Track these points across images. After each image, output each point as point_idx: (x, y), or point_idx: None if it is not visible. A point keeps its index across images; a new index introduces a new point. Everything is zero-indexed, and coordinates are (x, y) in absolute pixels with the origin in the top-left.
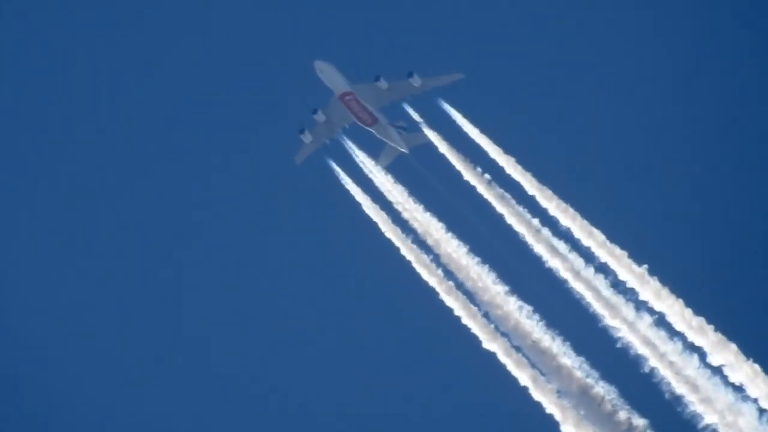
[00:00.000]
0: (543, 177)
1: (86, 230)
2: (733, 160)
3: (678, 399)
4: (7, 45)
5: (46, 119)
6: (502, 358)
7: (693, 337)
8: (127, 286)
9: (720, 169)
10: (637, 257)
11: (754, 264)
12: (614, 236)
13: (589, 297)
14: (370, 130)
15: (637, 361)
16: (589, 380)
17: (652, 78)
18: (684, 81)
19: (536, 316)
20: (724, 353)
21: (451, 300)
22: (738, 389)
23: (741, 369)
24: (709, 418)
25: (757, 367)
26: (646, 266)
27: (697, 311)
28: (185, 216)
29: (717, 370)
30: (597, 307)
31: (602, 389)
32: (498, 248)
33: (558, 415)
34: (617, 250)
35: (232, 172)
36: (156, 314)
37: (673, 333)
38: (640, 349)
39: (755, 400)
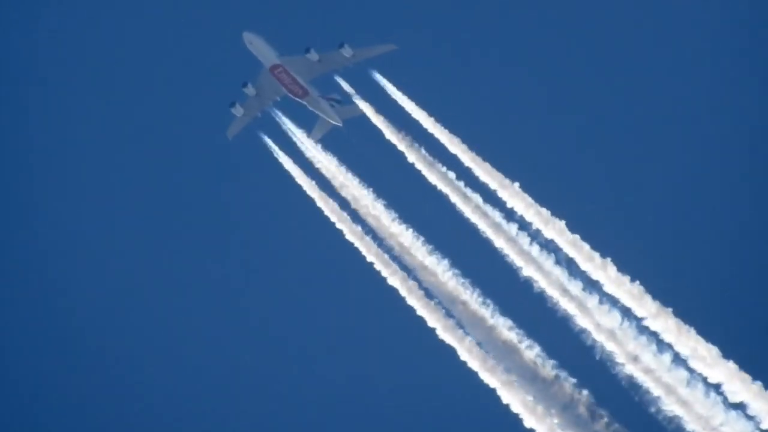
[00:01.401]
0: (476, 146)
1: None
2: (705, 145)
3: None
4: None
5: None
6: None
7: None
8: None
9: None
10: (575, 227)
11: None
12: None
13: (508, 252)
14: (303, 102)
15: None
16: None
17: (590, 43)
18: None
19: (464, 280)
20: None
21: (378, 262)
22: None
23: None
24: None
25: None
26: (610, 259)
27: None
28: (113, 192)
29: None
30: (525, 269)
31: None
32: (430, 216)
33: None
34: (541, 210)
35: (163, 147)
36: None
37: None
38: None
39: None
